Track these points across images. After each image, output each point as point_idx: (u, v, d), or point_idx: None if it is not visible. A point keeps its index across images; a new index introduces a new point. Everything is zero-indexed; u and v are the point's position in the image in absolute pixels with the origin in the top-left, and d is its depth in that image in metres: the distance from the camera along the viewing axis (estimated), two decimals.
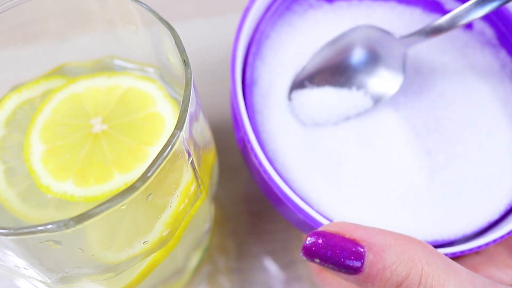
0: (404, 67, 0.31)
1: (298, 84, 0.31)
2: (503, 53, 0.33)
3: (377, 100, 0.31)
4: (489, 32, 0.33)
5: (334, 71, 0.31)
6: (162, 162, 0.19)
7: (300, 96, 0.31)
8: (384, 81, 0.31)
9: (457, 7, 0.33)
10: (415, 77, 0.33)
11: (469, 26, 0.33)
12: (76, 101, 0.26)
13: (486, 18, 0.33)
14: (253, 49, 0.31)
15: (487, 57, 0.33)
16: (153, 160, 0.19)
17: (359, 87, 0.31)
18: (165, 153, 0.19)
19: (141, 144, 0.25)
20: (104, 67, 0.29)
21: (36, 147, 0.25)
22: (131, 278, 0.25)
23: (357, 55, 0.31)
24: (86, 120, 0.26)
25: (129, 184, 0.18)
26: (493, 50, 0.33)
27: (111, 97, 0.26)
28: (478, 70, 0.32)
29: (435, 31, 0.29)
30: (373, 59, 0.31)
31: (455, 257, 0.27)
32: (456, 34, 0.33)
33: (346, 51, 0.31)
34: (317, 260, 0.23)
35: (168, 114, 0.26)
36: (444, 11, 0.34)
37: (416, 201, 0.29)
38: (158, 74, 0.28)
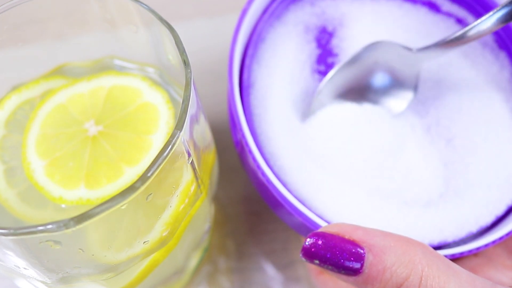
0: (416, 86, 0.31)
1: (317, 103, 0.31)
2: (502, 55, 0.33)
3: (392, 116, 0.31)
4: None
5: (351, 89, 0.31)
6: (162, 162, 0.19)
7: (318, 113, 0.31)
8: (395, 99, 0.32)
9: (453, 8, 0.33)
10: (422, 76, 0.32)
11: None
12: (62, 111, 0.26)
13: None
14: (250, 51, 0.31)
15: (488, 59, 0.33)
16: (153, 160, 0.19)
17: (375, 104, 0.31)
18: (165, 153, 0.19)
19: (142, 134, 0.25)
20: (104, 67, 0.28)
21: (36, 164, 0.25)
22: (131, 278, 0.25)
23: (374, 74, 0.32)
24: (78, 126, 0.26)
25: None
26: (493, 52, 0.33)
27: (97, 99, 0.26)
28: (482, 73, 0.32)
29: (451, 42, 0.28)
30: (389, 76, 0.32)
31: (454, 258, 0.27)
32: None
33: (363, 69, 0.31)
34: (317, 261, 0.23)
35: (159, 101, 0.26)
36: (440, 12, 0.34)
37: (415, 203, 0.29)
38: (158, 74, 0.28)
